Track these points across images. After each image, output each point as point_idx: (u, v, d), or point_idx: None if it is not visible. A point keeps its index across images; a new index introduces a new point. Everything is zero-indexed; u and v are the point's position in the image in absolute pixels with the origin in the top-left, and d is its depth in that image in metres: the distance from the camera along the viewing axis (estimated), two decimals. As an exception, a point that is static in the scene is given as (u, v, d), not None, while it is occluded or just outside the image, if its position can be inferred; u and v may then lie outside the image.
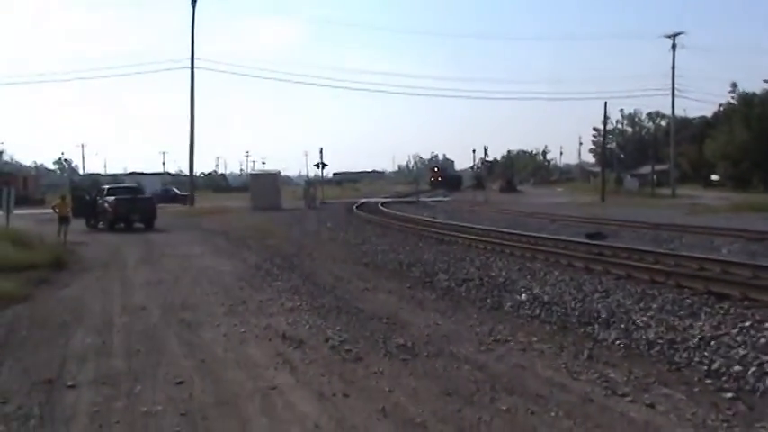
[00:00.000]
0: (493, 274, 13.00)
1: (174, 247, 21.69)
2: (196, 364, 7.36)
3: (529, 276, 12.51)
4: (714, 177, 73.94)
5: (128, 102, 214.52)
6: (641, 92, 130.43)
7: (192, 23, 52.35)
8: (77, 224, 30.53)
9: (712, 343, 7.25)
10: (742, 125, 63.86)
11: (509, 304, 10.18)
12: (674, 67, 60.53)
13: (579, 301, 9.88)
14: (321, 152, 53.97)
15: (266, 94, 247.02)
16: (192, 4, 52.17)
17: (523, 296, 10.52)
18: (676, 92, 61.88)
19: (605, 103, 63.15)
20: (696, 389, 6.12)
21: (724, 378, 6.33)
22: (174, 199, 58.65)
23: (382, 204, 47.42)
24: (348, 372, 6.91)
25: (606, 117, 65.77)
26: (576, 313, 9.09)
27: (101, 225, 31.39)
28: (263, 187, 48.53)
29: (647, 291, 10.38)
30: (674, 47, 59.72)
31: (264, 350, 7.92)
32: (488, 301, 10.61)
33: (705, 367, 6.61)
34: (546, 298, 10.22)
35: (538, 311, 9.49)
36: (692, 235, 21.25)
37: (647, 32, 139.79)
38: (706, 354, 6.95)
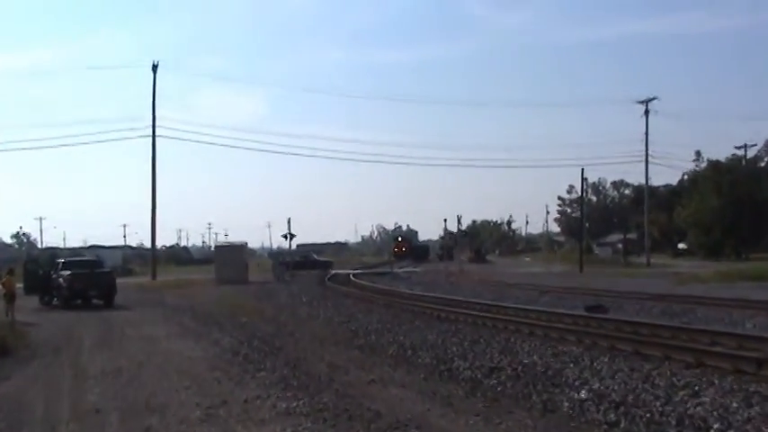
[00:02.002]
0: (526, 361, 10.77)
1: (135, 326, 19.53)
2: None
3: (572, 364, 10.27)
4: (681, 245, 73.72)
5: (86, 174, 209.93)
6: (601, 159, 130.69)
7: (153, 90, 50.89)
8: (31, 301, 28.07)
9: None
10: (713, 192, 63.69)
11: (567, 405, 7.98)
12: (647, 134, 59.96)
13: (664, 401, 7.66)
14: (289, 223, 51.82)
15: (227, 165, 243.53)
16: (153, 70, 50.75)
17: (582, 393, 8.33)
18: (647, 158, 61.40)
19: (582, 169, 61.71)
20: None
21: None
22: (314, 266, 56.40)
23: (354, 276, 45.72)
24: None
25: (583, 184, 64.77)
26: (673, 422, 6.84)
27: (55, 302, 28.88)
28: (229, 259, 46.87)
29: (744, 387, 8.18)
30: (647, 112, 59.19)
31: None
32: (535, 399, 8.42)
33: None
34: (615, 396, 8.02)
35: (613, 416, 7.26)
36: (703, 307, 19.70)
37: (610, 99, 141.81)
38: None
